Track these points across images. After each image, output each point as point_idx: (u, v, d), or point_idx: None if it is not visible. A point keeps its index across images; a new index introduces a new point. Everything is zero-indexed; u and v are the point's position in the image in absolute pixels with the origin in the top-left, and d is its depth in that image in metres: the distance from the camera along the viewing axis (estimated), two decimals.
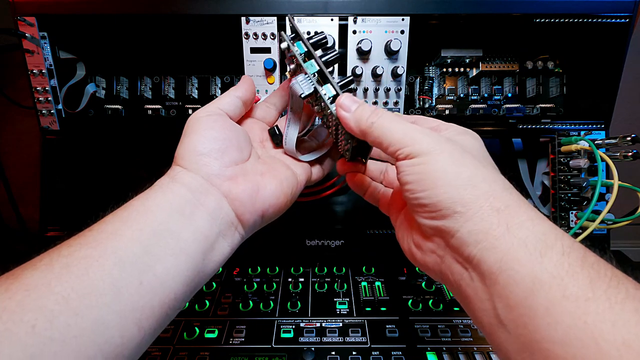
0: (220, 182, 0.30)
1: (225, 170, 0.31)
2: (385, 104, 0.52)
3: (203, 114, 0.33)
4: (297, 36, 0.34)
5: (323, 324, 0.46)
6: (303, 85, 0.33)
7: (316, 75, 0.33)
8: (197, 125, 0.32)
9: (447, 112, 0.55)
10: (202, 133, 0.31)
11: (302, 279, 0.55)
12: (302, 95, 0.32)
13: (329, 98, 0.32)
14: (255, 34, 0.48)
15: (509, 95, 0.56)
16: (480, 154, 0.27)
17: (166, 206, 0.28)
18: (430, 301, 0.49)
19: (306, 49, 0.34)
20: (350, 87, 0.35)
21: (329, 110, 0.32)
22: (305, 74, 0.33)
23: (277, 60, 0.49)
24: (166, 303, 0.26)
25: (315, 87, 0.32)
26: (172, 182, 0.29)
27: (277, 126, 0.38)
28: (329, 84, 0.32)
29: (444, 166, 0.25)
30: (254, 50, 0.49)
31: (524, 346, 0.20)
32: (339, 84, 0.33)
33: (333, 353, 0.42)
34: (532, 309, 0.19)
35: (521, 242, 0.21)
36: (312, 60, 0.33)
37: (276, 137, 0.37)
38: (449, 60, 0.54)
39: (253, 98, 0.37)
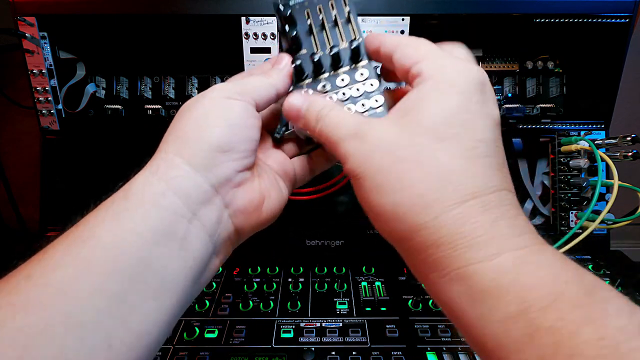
0: (227, 189, 0.24)
1: (237, 175, 0.24)
2: None
3: (233, 97, 0.25)
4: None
5: (323, 324, 0.46)
6: None
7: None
8: (224, 110, 0.24)
9: None
10: (228, 124, 0.24)
11: (302, 279, 0.55)
12: None
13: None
14: (255, 34, 0.48)
15: (509, 95, 0.56)
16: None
17: (148, 233, 0.20)
18: (430, 301, 0.49)
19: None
20: None
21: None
22: None
23: None
24: (144, 357, 0.20)
25: None
26: (162, 193, 0.21)
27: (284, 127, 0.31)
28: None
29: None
30: (254, 50, 0.49)
31: None
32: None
33: (333, 353, 0.42)
34: None
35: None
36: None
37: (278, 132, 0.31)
38: None
39: (288, 86, 0.29)
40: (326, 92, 0.29)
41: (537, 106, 0.55)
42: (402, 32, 0.48)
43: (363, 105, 0.28)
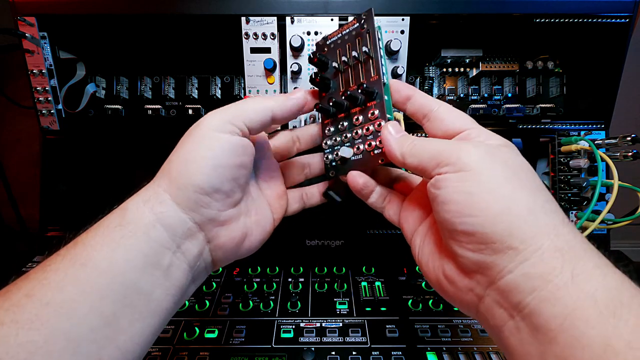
0: (211, 227, 0.26)
1: (221, 214, 0.26)
2: None
3: (221, 128, 0.25)
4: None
5: (323, 324, 0.46)
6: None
7: None
8: (209, 148, 0.25)
9: None
10: (212, 164, 0.24)
11: (302, 279, 0.55)
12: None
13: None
14: (255, 34, 0.48)
15: (509, 95, 0.56)
16: (529, 173, 0.22)
17: (139, 262, 0.22)
18: (430, 301, 0.49)
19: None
20: None
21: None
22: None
23: (277, 60, 0.49)
24: None
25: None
26: (153, 224, 0.23)
27: (331, 191, 0.34)
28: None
29: (499, 187, 0.20)
30: (254, 50, 0.49)
31: None
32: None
33: (333, 353, 0.42)
34: None
35: (589, 297, 0.17)
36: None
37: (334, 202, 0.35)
38: (449, 60, 0.54)
39: (292, 116, 0.30)
40: (344, 130, 0.31)
41: (537, 106, 0.55)
42: (402, 32, 0.48)
43: (370, 145, 0.30)
